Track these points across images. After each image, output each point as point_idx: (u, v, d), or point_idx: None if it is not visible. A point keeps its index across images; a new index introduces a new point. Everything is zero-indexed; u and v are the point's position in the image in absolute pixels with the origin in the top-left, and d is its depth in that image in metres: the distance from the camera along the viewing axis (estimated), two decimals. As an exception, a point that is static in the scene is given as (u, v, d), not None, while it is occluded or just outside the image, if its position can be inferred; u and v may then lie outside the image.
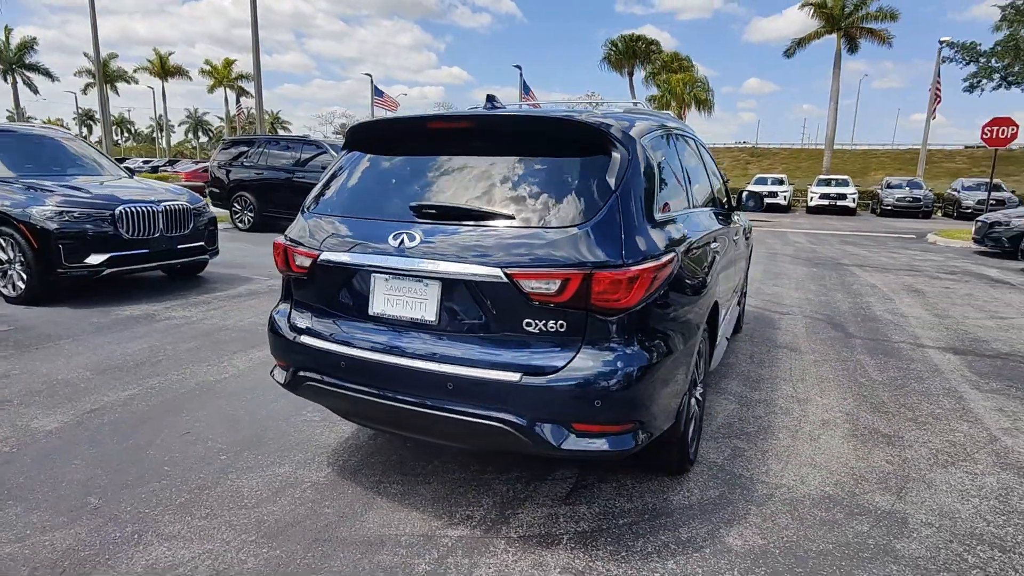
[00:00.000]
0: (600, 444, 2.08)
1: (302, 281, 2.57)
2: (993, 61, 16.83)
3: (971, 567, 2.23)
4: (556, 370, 2.05)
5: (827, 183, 27.61)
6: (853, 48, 32.62)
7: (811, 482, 2.83)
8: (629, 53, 32.30)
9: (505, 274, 2.07)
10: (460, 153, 2.41)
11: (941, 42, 28.82)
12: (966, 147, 50.21)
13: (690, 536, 2.39)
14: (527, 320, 2.09)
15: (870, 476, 2.90)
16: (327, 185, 2.69)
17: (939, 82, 29.15)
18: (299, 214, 2.72)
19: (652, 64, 32.32)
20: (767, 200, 26.79)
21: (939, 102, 29.61)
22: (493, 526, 2.43)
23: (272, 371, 2.79)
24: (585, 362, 2.05)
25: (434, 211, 2.29)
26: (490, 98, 2.74)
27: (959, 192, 25.49)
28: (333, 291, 2.48)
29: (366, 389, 2.32)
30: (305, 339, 2.50)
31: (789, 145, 74.12)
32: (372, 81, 39.58)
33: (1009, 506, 2.66)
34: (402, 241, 2.25)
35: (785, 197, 27.34)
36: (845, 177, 28.61)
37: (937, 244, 14.40)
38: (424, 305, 2.24)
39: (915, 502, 2.68)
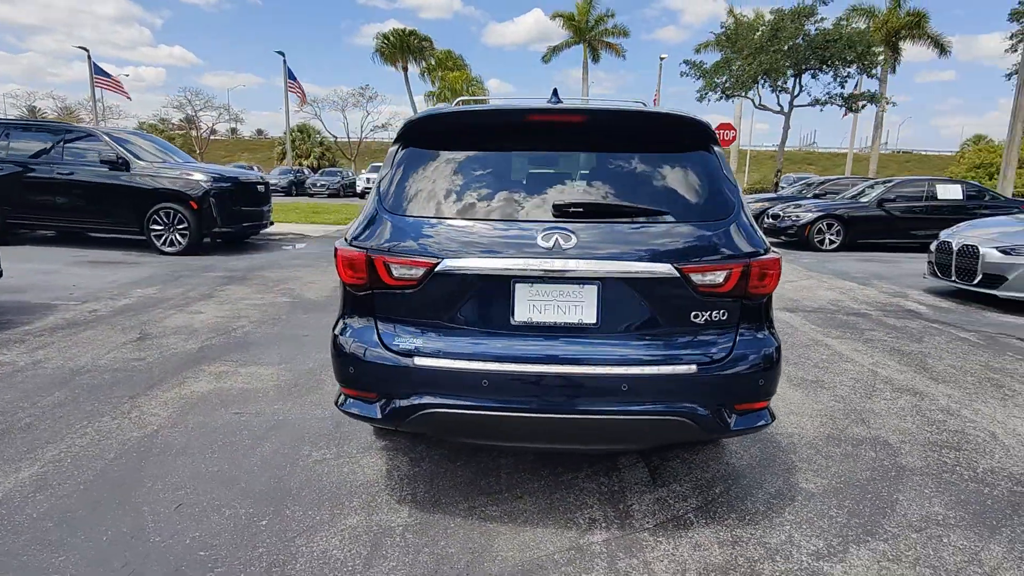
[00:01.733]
0: (754, 421, 2.25)
1: (404, 294, 2.21)
2: (716, 78, 21.20)
3: (953, 465, 2.96)
4: (724, 357, 2.16)
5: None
6: (596, 58, 37.42)
7: (808, 427, 3.39)
8: (403, 48, 32.19)
9: (677, 269, 2.10)
10: (569, 148, 2.33)
11: (662, 58, 34.87)
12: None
13: (776, 490, 2.71)
14: (694, 312, 2.15)
15: (836, 414, 3.59)
16: (402, 182, 2.33)
17: (657, 92, 35.26)
18: (368, 217, 2.31)
19: (426, 61, 32.78)
20: None
21: (656, 103, 35.95)
22: (624, 522, 2.43)
23: (343, 405, 2.34)
24: (746, 347, 2.20)
25: (581, 209, 2.17)
26: (555, 92, 2.65)
27: None
28: (456, 302, 2.19)
29: (520, 406, 2.11)
30: (422, 361, 2.15)
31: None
32: (90, 57, 32.80)
33: (929, 418, 3.55)
34: (556, 242, 2.10)
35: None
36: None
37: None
38: (581, 308, 2.13)
39: (880, 427, 3.40)
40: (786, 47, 18.65)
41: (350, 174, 33.86)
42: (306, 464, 2.85)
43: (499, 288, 2.15)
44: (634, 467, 2.88)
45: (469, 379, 2.13)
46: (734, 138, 18.96)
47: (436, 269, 2.14)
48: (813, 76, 19.94)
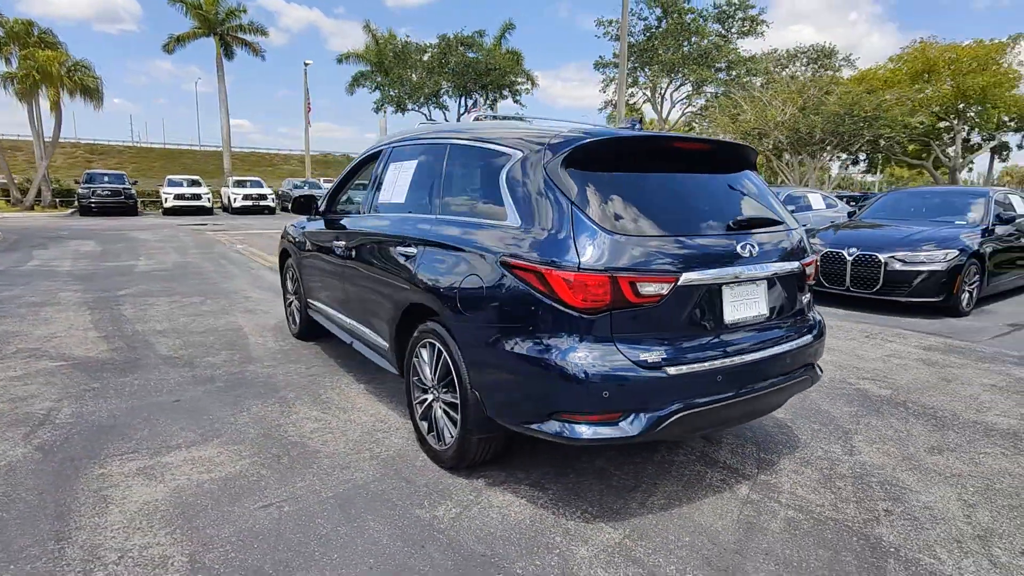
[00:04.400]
0: (821, 371, 3.10)
1: (644, 310, 2.28)
2: (390, 91, 22.08)
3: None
4: (815, 326, 2.94)
5: (242, 184, 28.58)
6: (229, 54, 34.04)
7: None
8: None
9: (801, 265, 2.77)
10: (702, 170, 2.73)
11: (306, 63, 34.17)
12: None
13: (774, 424, 3.65)
14: (802, 296, 2.86)
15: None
16: (602, 202, 2.35)
17: (309, 95, 34.60)
18: (584, 238, 2.26)
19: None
20: (190, 203, 25.87)
21: (310, 110, 35.37)
22: (739, 474, 3.00)
23: (569, 434, 2.28)
24: (817, 317, 3.02)
25: (746, 222, 2.61)
26: (633, 122, 2.91)
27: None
28: (685, 311, 2.38)
29: (735, 392, 2.49)
30: (673, 369, 2.28)
31: (123, 143, 68.51)
32: None
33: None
34: (750, 251, 2.50)
35: (208, 199, 26.59)
36: (258, 179, 30.26)
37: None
38: (757, 303, 2.60)
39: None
40: (448, 70, 20.99)
41: None
42: (451, 525, 2.50)
43: (715, 294, 2.46)
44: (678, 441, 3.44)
45: (709, 378, 2.39)
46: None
47: (678, 283, 2.31)
48: (468, 97, 22.96)
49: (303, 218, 5.37)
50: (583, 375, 2.23)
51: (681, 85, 24.81)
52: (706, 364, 2.41)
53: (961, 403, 4.05)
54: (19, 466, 2.91)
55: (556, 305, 2.28)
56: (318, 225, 4.69)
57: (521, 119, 3.84)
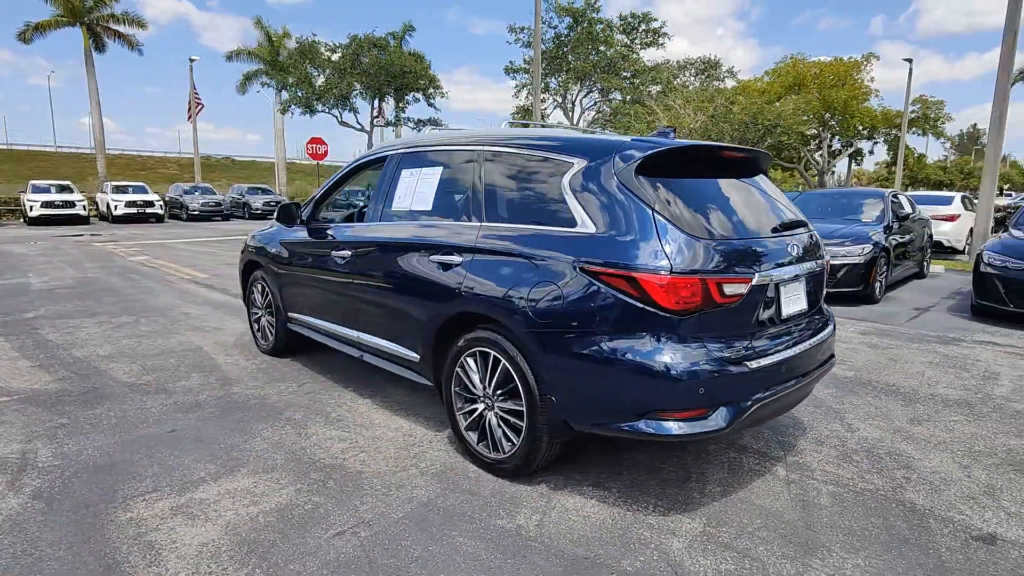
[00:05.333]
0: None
1: (724, 309, 2.42)
2: (298, 91, 20.94)
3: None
4: (831, 316, 3.24)
5: (124, 190, 26.01)
6: (100, 47, 30.81)
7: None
8: None
9: (825, 263, 3.05)
10: (741, 176, 2.93)
11: (192, 59, 31.72)
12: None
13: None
14: (823, 291, 3.14)
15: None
16: (683, 207, 2.48)
17: (198, 94, 32.14)
18: (672, 242, 2.35)
19: None
20: (62, 211, 23.22)
21: (201, 108, 32.76)
22: (771, 457, 3.24)
23: (659, 430, 2.40)
24: (831, 311, 3.32)
25: (790, 223, 2.83)
26: (674, 129, 3.03)
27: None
28: (754, 309, 2.55)
29: (794, 380, 2.70)
30: (753, 363, 2.44)
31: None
32: None
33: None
34: (797, 251, 2.72)
35: (84, 207, 23.94)
36: (142, 184, 27.61)
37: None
38: (800, 299, 2.82)
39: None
40: (360, 71, 20.33)
41: None
42: (540, 532, 2.50)
43: (774, 291, 2.65)
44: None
45: (776, 369, 2.58)
46: (326, 153, 19.48)
47: (753, 283, 2.47)
48: (382, 100, 22.40)
49: (268, 227, 5.05)
50: (680, 374, 2.33)
51: (589, 92, 25.88)
52: (775, 357, 2.60)
53: (914, 380, 4.61)
54: (23, 519, 2.53)
55: (648, 308, 2.35)
56: (300, 235, 4.44)
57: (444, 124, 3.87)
